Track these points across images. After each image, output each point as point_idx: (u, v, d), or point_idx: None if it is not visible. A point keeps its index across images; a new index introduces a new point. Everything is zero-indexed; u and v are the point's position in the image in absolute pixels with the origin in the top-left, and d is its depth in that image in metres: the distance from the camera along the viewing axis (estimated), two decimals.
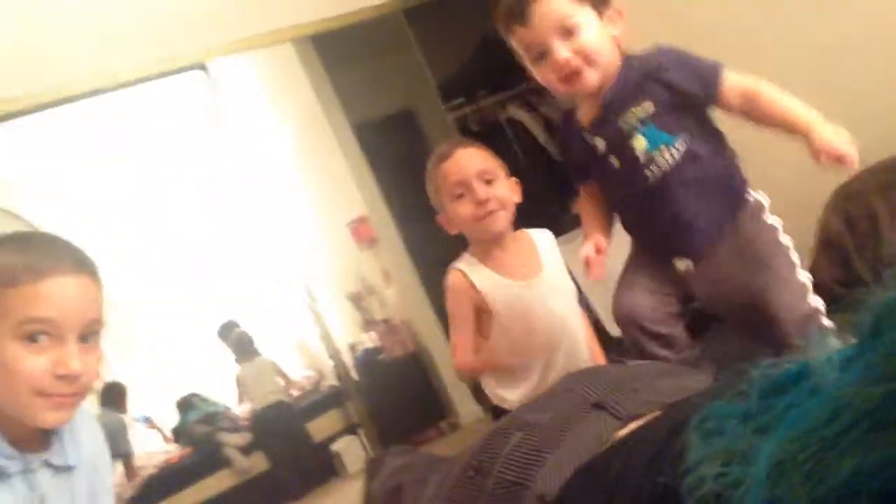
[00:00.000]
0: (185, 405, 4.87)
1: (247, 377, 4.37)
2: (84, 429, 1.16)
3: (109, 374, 4.81)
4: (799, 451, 0.44)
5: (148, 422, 5.32)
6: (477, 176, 1.54)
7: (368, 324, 4.07)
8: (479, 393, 3.16)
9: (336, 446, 4.03)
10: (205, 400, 4.87)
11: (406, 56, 3.48)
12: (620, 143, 1.31)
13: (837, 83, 2.13)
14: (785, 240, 1.28)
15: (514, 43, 1.39)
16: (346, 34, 3.27)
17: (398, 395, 3.69)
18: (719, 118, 1.38)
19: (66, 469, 1.09)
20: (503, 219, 1.54)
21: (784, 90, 2.23)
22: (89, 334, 1.03)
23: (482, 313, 1.60)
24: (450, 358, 1.65)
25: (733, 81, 1.27)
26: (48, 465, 1.07)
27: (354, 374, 3.81)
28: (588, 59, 1.32)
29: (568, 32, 1.32)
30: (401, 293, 3.78)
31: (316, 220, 4.01)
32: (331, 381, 4.61)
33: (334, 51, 3.45)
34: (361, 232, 3.80)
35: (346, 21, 3.22)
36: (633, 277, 1.39)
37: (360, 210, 3.72)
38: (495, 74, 3.69)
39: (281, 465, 4.05)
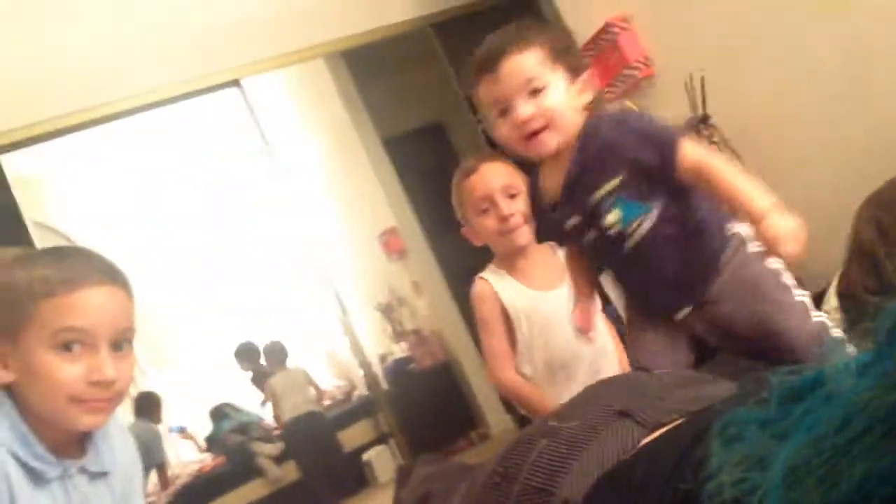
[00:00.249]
0: (219, 415, 4.93)
1: (279, 386, 4.42)
2: (117, 437, 1.20)
3: (144, 384, 4.90)
4: (813, 456, 0.45)
5: (182, 431, 5.40)
6: (501, 191, 1.57)
7: (399, 334, 4.09)
8: (508, 403, 3.16)
9: (367, 456, 4.05)
10: (238, 410, 4.93)
11: (435, 70, 3.52)
12: (594, 219, 1.26)
13: (863, 87, 2.10)
14: (774, 264, 1.23)
15: (481, 96, 1.36)
16: (376, 49, 3.32)
17: (428, 405, 3.70)
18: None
19: (101, 475, 1.13)
20: (526, 233, 1.56)
21: (811, 94, 2.22)
22: (122, 342, 1.07)
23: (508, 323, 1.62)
24: (481, 368, 1.66)
25: (689, 154, 1.19)
26: (84, 471, 1.10)
27: (385, 385, 3.84)
28: (550, 122, 1.28)
29: (535, 91, 1.29)
30: (431, 304, 3.81)
31: (347, 232, 4.06)
32: (362, 391, 4.65)
33: (364, 66, 3.50)
34: (391, 243, 3.83)
35: (376, 36, 3.27)
36: (640, 334, 1.34)
37: (390, 222, 3.76)
38: None
39: (312, 475, 4.08)
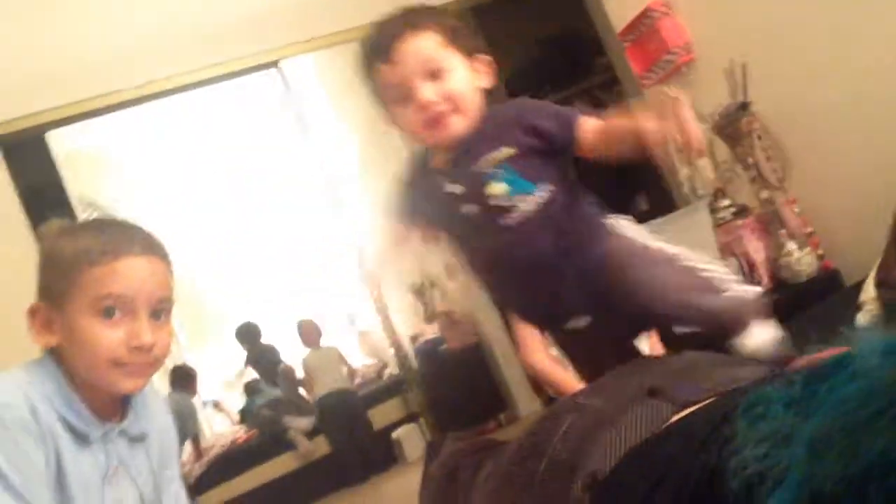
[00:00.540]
0: (252, 389, 5.03)
1: (313, 363, 4.49)
2: (154, 403, 1.25)
3: (181, 358, 5.01)
4: (835, 430, 0.46)
5: (216, 405, 5.52)
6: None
7: (430, 315, 4.13)
8: (538, 386, 3.18)
9: (396, 434, 4.10)
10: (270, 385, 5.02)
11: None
12: (478, 190, 1.19)
13: None
14: (656, 243, 1.19)
15: (376, 85, 1.26)
16: None
17: (458, 386, 3.74)
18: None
19: (139, 439, 1.18)
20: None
21: (853, 81, 2.17)
22: (160, 311, 1.12)
23: None
24: (511, 350, 1.69)
25: (588, 120, 1.16)
26: (123, 434, 1.15)
27: (415, 365, 3.88)
28: (455, 105, 1.21)
29: (434, 75, 1.21)
30: (462, 286, 3.83)
31: (381, 213, 4.09)
32: (393, 370, 4.70)
33: None
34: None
35: None
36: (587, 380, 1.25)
37: None
38: (561, 71, 3.70)
39: (342, 451, 4.15)
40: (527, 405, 3.45)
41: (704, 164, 2.65)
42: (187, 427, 4.41)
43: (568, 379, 1.59)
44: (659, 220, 1.97)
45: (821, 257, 2.32)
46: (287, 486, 4.15)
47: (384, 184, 1.49)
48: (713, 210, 2.40)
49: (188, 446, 4.43)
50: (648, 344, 1.68)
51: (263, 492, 4.12)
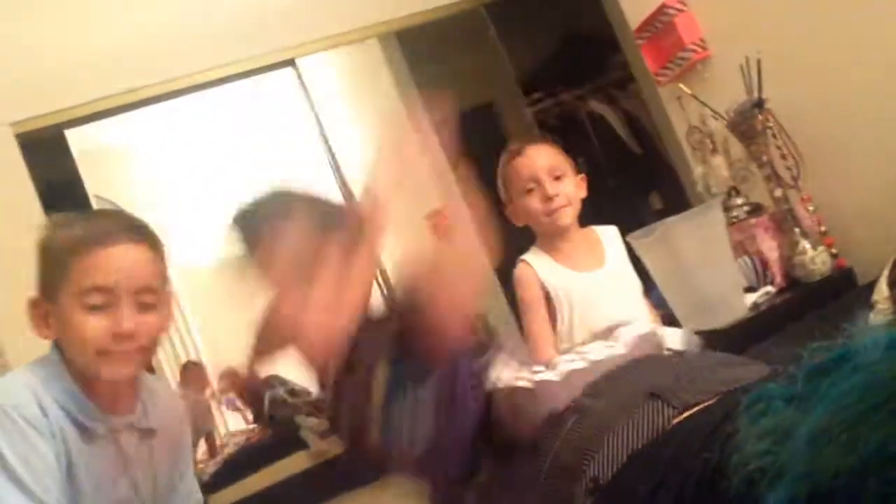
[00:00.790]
0: (267, 386, 5.03)
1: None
2: (164, 398, 1.26)
3: (192, 354, 5.03)
4: (835, 423, 0.46)
5: (230, 402, 5.53)
6: (547, 172, 1.61)
7: None
8: None
9: None
10: (285, 382, 5.03)
11: (487, 51, 3.51)
12: None
13: None
14: None
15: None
16: (429, 30, 3.32)
17: None
18: None
19: (149, 433, 1.18)
20: (569, 214, 1.66)
21: (869, 79, 2.15)
22: (145, 297, 1.12)
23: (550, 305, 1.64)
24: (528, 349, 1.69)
25: None
26: (133, 428, 1.16)
27: None
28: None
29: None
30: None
31: (394, 212, 4.08)
32: None
33: (417, 46, 3.51)
34: (438, 224, 3.85)
35: (429, 17, 3.28)
36: None
37: (437, 202, 3.77)
38: (575, 69, 3.68)
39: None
40: None
41: (719, 162, 2.63)
42: (202, 424, 4.42)
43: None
44: (673, 219, 1.96)
45: (835, 256, 2.30)
46: (301, 484, 4.14)
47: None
48: (727, 208, 2.39)
49: (203, 444, 4.44)
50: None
51: (277, 489, 4.12)
